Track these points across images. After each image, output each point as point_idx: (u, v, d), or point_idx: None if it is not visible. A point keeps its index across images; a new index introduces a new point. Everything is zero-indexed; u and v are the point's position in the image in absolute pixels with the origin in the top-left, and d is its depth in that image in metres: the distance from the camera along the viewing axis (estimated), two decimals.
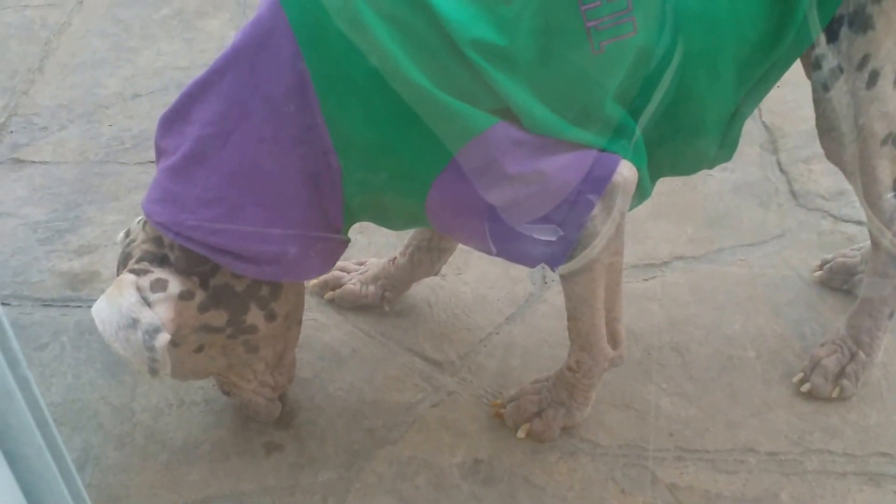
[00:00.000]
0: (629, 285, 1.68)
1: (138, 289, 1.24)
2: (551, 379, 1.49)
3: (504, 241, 1.28)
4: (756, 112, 2.03)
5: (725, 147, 1.36)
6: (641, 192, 1.31)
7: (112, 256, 1.80)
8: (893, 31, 1.28)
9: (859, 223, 1.81)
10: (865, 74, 1.31)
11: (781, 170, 2.00)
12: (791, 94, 2.03)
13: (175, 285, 1.26)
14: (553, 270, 1.32)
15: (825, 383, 1.51)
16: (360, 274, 1.72)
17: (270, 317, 1.36)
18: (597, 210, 1.23)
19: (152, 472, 1.47)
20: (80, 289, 1.81)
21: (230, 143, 1.22)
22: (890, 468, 1.43)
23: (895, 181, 1.41)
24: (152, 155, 1.33)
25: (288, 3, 1.18)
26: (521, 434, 1.48)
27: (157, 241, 1.30)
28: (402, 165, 1.23)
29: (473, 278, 1.78)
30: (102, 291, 1.25)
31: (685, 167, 1.41)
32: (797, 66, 1.36)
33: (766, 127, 2.11)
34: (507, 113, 1.18)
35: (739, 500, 1.40)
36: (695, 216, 1.89)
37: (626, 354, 1.47)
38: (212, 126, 1.23)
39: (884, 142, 1.36)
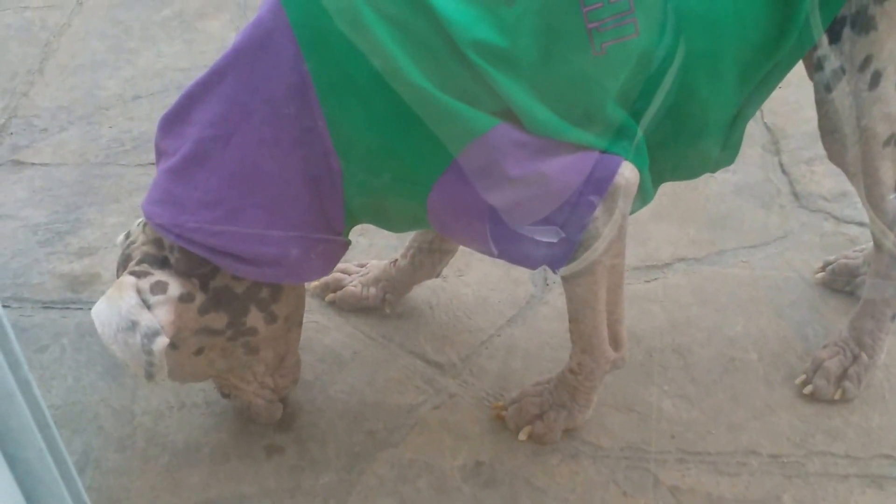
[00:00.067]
0: (631, 287, 1.68)
1: (138, 291, 1.24)
2: (553, 381, 1.49)
3: (505, 242, 1.28)
4: (758, 113, 2.03)
5: (728, 149, 1.35)
6: (643, 196, 1.31)
7: (112, 258, 1.79)
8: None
9: (861, 224, 1.81)
10: (868, 75, 1.31)
11: (783, 171, 2.00)
12: (793, 95, 2.03)
13: (175, 288, 1.26)
14: (554, 272, 1.31)
15: (827, 385, 1.51)
16: (361, 276, 1.72)
17: (271, 319, 1.35)
18: (598, 212, 1.23)
19: (153, 474, 1.47)
20: (80, 291, 1.80)
21: (231, 145, 1.22)
22: (892, 470, 1.43)
23: None
24: (152, 157, 1.33)
25: (289, 4, 1.18)
26: (522, 436, 1.48)
27: (158, 243, 1.29)
28: (403, 167, 1.23)
29: (475, 280, 1.78)
30: (103, 293, 1.25)
31: (687, 170, 1.40)
32: (799, 67, 1.36)
33: (768, 128, 2.11)
34: (509, 114, 1.18)
35: (741, 503, 1.39)
36: (696, 218, 1.89)
37: (628, 356, 1.47)
38: (212, 127, 1.23)
39: (886, 143, 1.36)
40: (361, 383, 1.60)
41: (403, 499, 1.42)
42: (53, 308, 1.77)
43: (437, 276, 1.69)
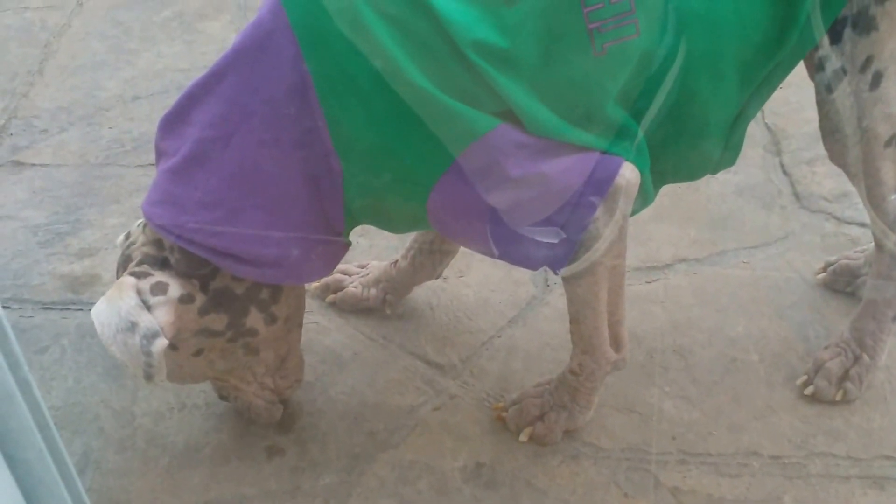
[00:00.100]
0: (632, 288, 1.68)
1: (138, 292, 1.24)
2: (553, 382, 1.49)
3: (506, 243, 1.27)
4: (759, 114, 2.03)
5: (729, 150, 1.35)
6: (644, 197, 1.30)
7: (113, 259, 1.79)
8: None
9: (863, 225, 1.81)
10: (869, 76, 1.31)
11: (784, 172, 2.00)
12: (794, 95, 2.03)
13: (175, 288, 1.26)
14: (555, 273, 1.31)
15: (829, 386, 1.51)
16: (362, 277, 1.72)
17: (271, 320, 1.35)
18: (599, 212, 1.23)
19: (153, 475, 1.47)
20: (80, 292, 1.80)
21: (231, 145, 1.22)
22: (894, 471, 1.42)
23: None
24: (153, 157, 1.32)
25: (289, 4, 1.18)
26: (523, 437, 1.48)
27: (158, 243, 1.29)
28: (403, 168, 1.23)
29: (475, 281, 1.77)
30: (103, 294, 1.25)
31: (689, 172, 1.40)
32: (800, 68, 1.35)
33: (769, 129, 2.11)
34: (509, 115, 1.18)
35: None
36: (697, 218, 1.89)
37: (629, 357, 1.47)
38: (212, 128, 1.22)
39: (887, 143, 1.36)
40: (362, 384, 1.60)
41: (404, 500, 1.42)
42: (54, 309, 1.77)
43: (438, 277, 1.69)
